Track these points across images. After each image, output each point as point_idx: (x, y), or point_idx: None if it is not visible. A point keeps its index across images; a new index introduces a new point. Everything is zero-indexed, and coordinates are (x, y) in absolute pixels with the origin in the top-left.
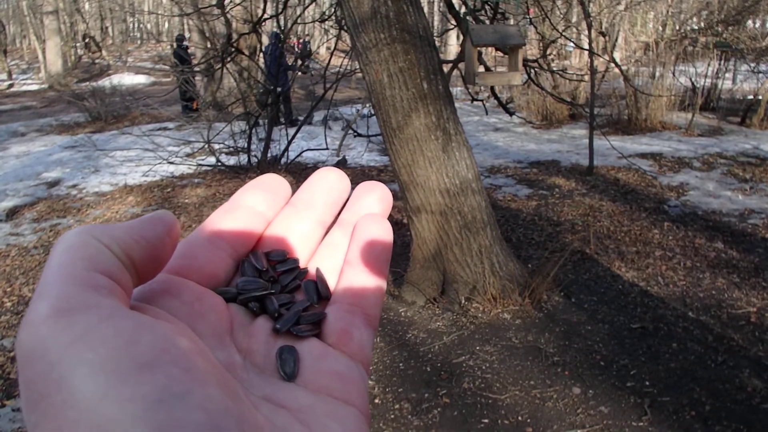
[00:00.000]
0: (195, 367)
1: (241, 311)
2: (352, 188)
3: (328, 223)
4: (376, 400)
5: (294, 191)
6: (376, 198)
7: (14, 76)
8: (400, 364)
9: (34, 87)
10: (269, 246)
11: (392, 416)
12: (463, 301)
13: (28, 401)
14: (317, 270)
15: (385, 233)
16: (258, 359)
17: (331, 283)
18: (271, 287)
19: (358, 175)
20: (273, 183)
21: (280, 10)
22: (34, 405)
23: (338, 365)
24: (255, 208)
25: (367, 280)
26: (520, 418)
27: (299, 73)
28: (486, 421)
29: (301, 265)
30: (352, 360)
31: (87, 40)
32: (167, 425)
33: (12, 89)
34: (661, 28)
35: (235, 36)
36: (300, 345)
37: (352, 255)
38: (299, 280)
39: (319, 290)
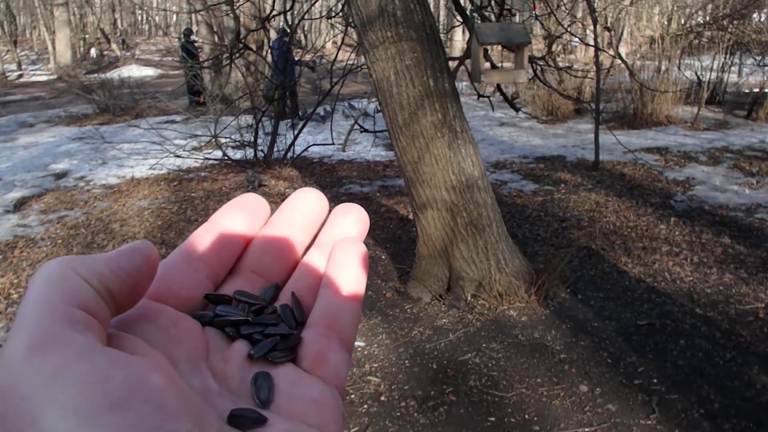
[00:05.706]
0: (167, 404)
1: (218, 335)
2: (331, 208)
3: (305, 244)
4: (382, 398)
5: (276, 208)
6: (352, 220)
7: (24, 66)
8: (406, 362)
9: (44, 78)
10: (247, 267)
11: (398, 414)
12: (469, 298)
13: None
14: (293, 294)
15: (360, 257)
16: (233, 385)
17: (307, 306)
18: (248, 311)
19: (364, 170)
20: (252, 203)
21: (288, 7)
22: None
23: (313, 391)
24: (233, 229)
25: (342, 303)
26: (526, 416)
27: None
28: (492, 419)
29: (279, 287)
30: (326, 385)
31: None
32: None
33: (21, 80)
34: (666, 23)
35: (243, 32)
36: (275, 371)
37: (328, 278)
38: (276, 303)
39: (294, 315)
